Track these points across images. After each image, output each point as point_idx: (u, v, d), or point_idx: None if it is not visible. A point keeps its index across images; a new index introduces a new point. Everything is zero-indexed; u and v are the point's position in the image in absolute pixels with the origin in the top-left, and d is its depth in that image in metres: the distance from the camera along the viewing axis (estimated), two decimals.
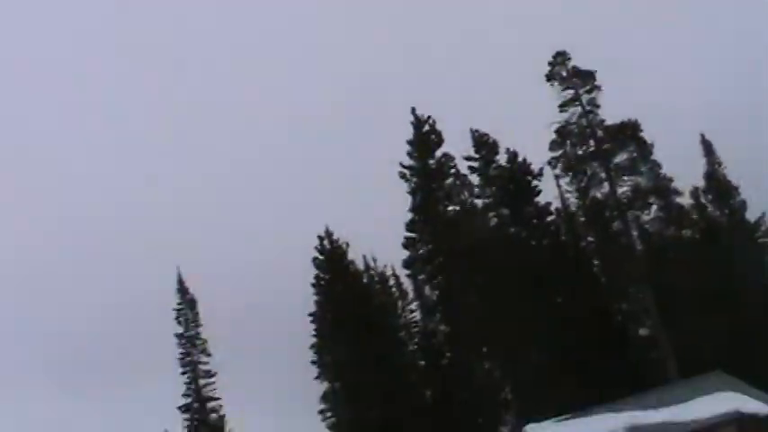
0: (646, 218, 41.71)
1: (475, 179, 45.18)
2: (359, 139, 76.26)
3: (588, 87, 42.23)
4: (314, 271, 46.91)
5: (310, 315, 46.50)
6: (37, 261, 75.36)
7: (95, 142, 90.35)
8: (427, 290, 45.63)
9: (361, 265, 48.78)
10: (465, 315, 41.54)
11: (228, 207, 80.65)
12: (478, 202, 45.01)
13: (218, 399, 49.30)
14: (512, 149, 45.37)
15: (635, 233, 41.71)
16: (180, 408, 48.65)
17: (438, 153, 45.39)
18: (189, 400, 48.77)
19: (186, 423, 48.51)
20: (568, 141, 42.16)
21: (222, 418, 48.86)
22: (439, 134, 45.71)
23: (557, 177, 43.75)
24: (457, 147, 45.41)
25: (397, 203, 45.51)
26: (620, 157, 41.36)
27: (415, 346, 47.09)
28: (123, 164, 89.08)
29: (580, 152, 42.03)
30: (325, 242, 47.47)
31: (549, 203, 44.75)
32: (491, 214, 44.67)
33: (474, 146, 45.60)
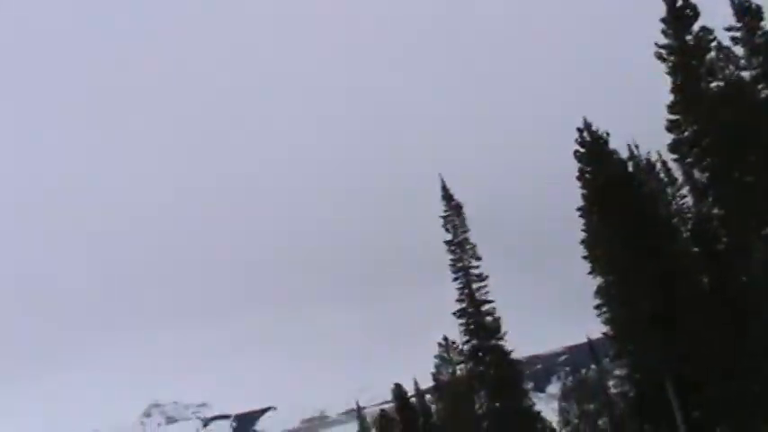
0: None
1: (739, 50, 40.81)
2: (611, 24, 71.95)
3: None
4: (576, 165, 45.62)
5: (578, 210, 45.41)
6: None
7: None
8: (696, 173, 42.38)
9: (624, 154, 46.59)
10: (741, 195, 38.18)
11: (486, 109, 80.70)
12: (745, 74, 40.65)
13: (491, 301, 50.31)
14: None
15: None
16: (455, 313, 50.26)
17: (695, 27, 41.52)
18: (463, 305, 50.14)
19: (462, 328, 50.07)
20: None
21: (498, 320, 49.77)
22: (694, 7, 41.70)
23: None
24: (716, 18, 41.28)
25: (656, 86, 42.67)
26: None
27: (688, 233, 44.20)
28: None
29: None
30: (585, 134, 45.78)
31: None
32: (760, 86, 40.18)
33: (735, 14, 41.08)
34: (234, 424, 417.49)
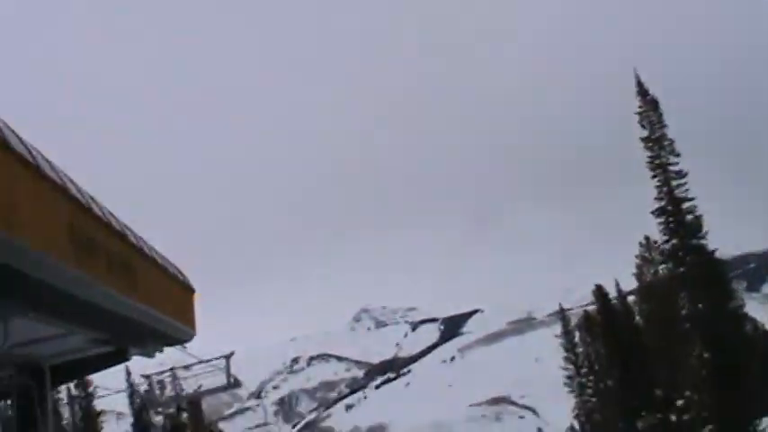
0: None
1: None
2: None
3: None
4: None
5: None
6: None
7: None
8: None
9: None
10: None
11: None
12: None
13: (691, 199, 47.76)
14: None
15: None
16: (654, 212, 48.30)
17: None
18: (662, 203, 48.04)
19: (662, 227, 48.10)
20: None
21: (699, 218, 47.36)
22: None
23: None
24: None
25: None
26: None
27: None
28: None
29: None
30: None
31: None
32: None
33: None
34: (441, 327, 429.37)
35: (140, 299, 10.79)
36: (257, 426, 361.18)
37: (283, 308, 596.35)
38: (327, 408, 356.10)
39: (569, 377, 71.56)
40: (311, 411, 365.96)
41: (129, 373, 60.97)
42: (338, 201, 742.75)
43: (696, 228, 47.43)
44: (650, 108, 48.86)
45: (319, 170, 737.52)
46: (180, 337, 14.34)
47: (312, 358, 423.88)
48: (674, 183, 47.87)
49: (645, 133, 48.89)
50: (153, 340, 13.25)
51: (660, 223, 48.08)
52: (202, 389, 53.33)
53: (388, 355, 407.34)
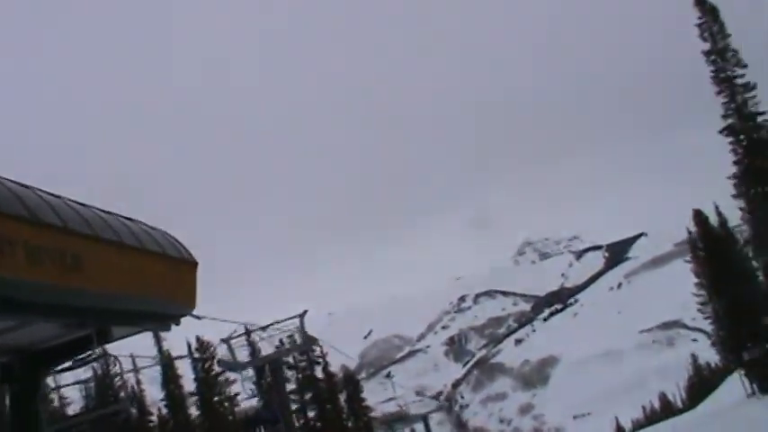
0: None
1: None
2: None
3: None
4: None
5: None
6: None
7: None
8: None
9: None
10: None
11: None
12: None
13: (762, 113, 43.17)
14: None
15: None
16: (722, 131, 44.15)
17: None
18: (730, 120, 43.79)
19: (732, 147, 43.93)
20: None
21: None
22: None
23: None
24: None
25: None
26: None
27: None
28: None
29: None
30: None
31: None
32: None
33: None
34: (606, 254, 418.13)
35: (94, 286, 11.43)
36: (428, 367, 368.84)
37: (447, 248, 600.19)
38: (497, 344, 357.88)
39: (702, 303, 67.65)
40: (481, 348, 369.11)
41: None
42: (491, 137, 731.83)
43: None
44: (711, 17, 44.35)
45: (477, 108, 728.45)
46: (171, 313, 14.59)
47: (478, 296, 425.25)
48: (741, 97, 43.41)
49: (706, 46, 44.49)
50: (134, 320, 13.66)
51: (730, 143, 43.90)
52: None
53: (554, 287, 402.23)
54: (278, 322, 49.76)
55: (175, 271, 14.11)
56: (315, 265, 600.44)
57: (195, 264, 14.73)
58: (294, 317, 50.06)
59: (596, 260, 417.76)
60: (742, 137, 43.32)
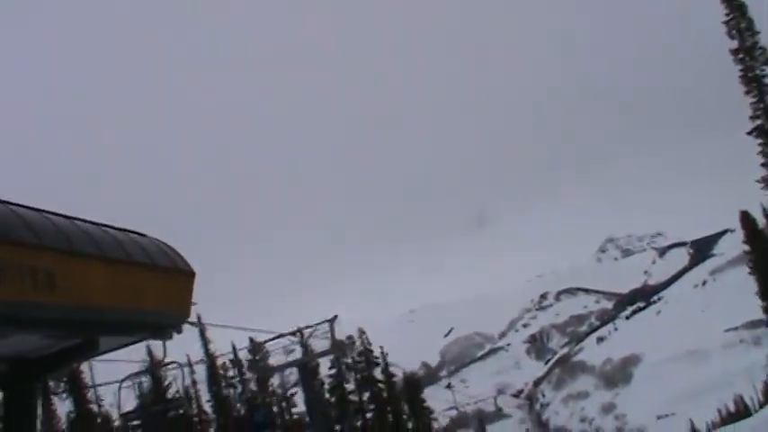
0: None
1: None
2: None
3: None
4: None
5: None
6: None
7: None
8: None
9: None
10: None
11: None
12: None
13: None
14: None
15: None
16: (750, 132, 42.92)
17: None
18: (759, 122, 42.50)
19: (761, 148, 42.65)
20: None
21: None
22: None
23: None
24: None
25: None
26: None
27: None
28: None
29: None
30: None
31: None
32: None
33: None
34: (690, 250, 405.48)
35: (73, 300, 11.80)
36: (509, 365, 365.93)
37: (528, 246, 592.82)
38: (579, 342, 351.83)
39: None
40: (562, 346, 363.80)
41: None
42: (573, 136, 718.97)
43: None
44: (739, 14, 43.13)
45: (536, 105, 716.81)
46: (163, 323, 14.92)
47: (560, 293, 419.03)
48: None
49: (734, 44, 43.26)
50: (121, 331, 14.14)
51: (760, 144, 42.58)
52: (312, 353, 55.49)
53: (636, 284, 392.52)
54: (308, 327, 50.42)
55: (167, 281, 14.44)
56: (396, 264, 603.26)
57: (192, 273, 15.05)
58: (323, 322, 50.67)
59: (680, 257, 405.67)
60: None
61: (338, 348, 51.84)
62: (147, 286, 13.78)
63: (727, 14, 43.59)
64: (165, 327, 14.98)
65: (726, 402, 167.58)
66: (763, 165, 42.17)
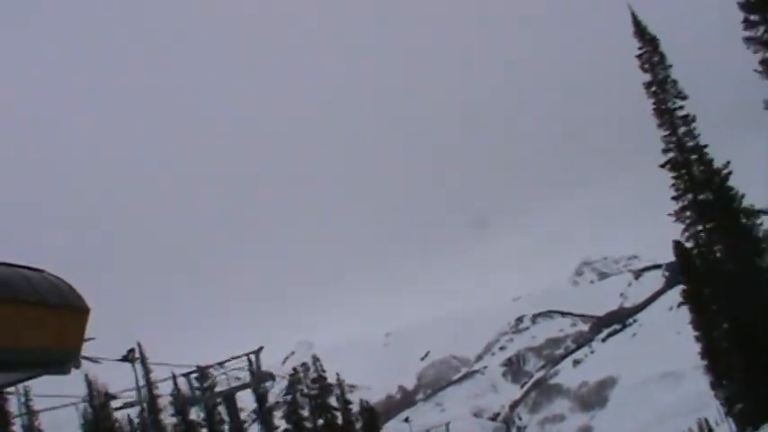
0: None
1: None
2: None
3: None
4: None
5: None
6: None
7: None
8: None
9: None
10: None
11: None
12: None
13: (704, 146, 41.86)
14: None
15: None
16: (663, 165, 43.00)
17: None
18: (671, 154, 42.59)
19: (673, 181, 42.71)
20: None
21: (709, 164, 41.45)
22: None
23: None
24: None
25: None
26: None
27: None
28: None
29: None
30: None
31: None
32: None
33: None
34: (665, 273, 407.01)
35: None
36: (485, 388, 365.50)
37: (505, 269, 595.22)
38: (555, 365, 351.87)
39: None
40: (539, 369, 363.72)
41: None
42: (548, 158, 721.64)
43: (716, 179, 41.55)
44: (650, 47, 43.30)
45: (522, 128, 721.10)
46: (50, 360, 14.67)
47: (536, 316, 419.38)
48: (683, 129, 42.15)
49: (647, 77, 43.39)
50: (6, 368, 13.90)
51: (673, 177, 42.63)
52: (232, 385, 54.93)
53: (612, 307, 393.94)
54: (234, 358, 49.92)
55: (57, 317, 14.19)
56: (372, 286, 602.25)
57: (86, 310, 14.93)
58: (249, 353, 50.14)
59: (656, 279, 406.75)
60: (683, 171, 42.06)
61: (261, 380, 51.45)
62: (34, 324, 13.53)
63: (640, 48, 43.75)
64: (54, 363, 14.77)
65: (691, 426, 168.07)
66: (673, 198, 42.19)
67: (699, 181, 41.37)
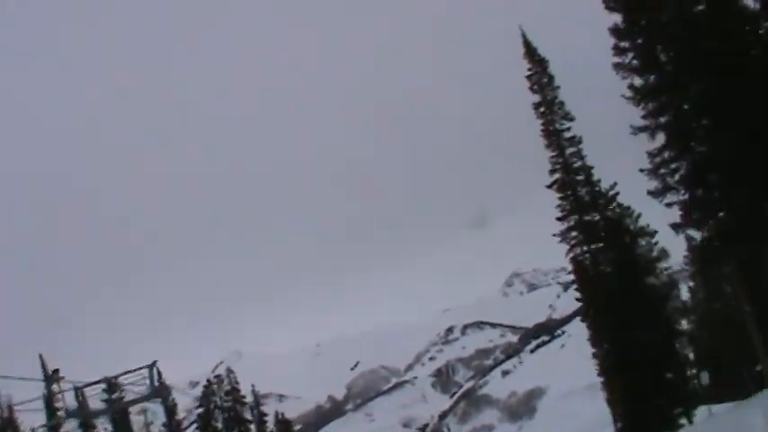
0: None
1: None
2: None
3: None
4: None
5: None
6: None
7: None
8: None
9: None
10: None
11: None
12: None
13: (590, 167, 42.09)
14: None
15: None
16: (550, 186, 43.05)
17: None
18: (558, 175, 42.69)
19: (560, 202, 42.76)
20: None
21: (593, 187, 41.65)
22: None
23: None
24: None
25: None
26: None
27: None
28: None
29: None
30: None
31: None
32: None
33: None
34: None
35: None
36: (415, 398, 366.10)
37: (435, 280, 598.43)
38: (484, 375, 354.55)
39: None
40: (468, 380, 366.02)
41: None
42: (477, 170, 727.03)
43: (601, 200, 41.79)
44: (539, 68, 43.37)
45: (460, 140, 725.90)
46: None
47: (466, 327, 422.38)
48: (570, 150, 42.31)
49: (537, 98, 43.43)
50: None
51: (559, 198, 42.72)
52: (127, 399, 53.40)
53: (541, 318, 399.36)
54: (129, 372, 48.28)
55: None
56: (301, 297, 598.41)
57: None
58: (143, 367, 48.42)
59: None
60: (569, 192, 42.20)
61: (159, 393, 50.18)
62: None
63: (530, 69, 43.80)
64: None
65: None
66: (558, 219, 42.29)
67: (584, 202, 41.72)
